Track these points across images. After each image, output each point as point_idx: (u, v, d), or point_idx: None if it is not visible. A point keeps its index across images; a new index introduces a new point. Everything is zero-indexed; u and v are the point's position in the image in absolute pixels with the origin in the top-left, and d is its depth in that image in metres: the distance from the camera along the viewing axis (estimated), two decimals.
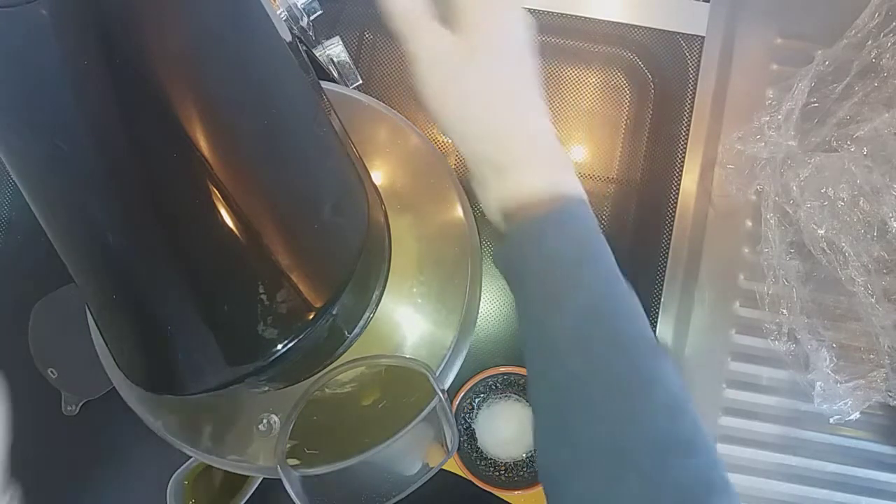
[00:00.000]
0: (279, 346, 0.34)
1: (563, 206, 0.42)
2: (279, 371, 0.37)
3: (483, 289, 0.58)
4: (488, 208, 0.45)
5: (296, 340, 0.35)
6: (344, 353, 0.51)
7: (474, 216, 0.57)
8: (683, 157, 0.74)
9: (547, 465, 0.40)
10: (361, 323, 0.51)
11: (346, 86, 0.62)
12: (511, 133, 0.43)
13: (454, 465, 0.68)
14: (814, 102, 0.71)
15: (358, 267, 0.36)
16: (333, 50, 0.60)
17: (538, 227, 0.42)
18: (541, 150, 0.44)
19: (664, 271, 0.73)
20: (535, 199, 0.42)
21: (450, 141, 0.45)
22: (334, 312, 0.36)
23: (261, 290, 0.34)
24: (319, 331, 0.36)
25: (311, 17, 0.58)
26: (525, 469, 0.70)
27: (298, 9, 0.57)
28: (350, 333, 0.50)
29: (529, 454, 0.71)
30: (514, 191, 0.43)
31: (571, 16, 0.75)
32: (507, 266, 0.44)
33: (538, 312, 0.41)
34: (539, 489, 0.68)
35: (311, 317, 0.35)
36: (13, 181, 0.34)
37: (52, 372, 0.69)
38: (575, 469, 0.38)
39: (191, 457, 0.54)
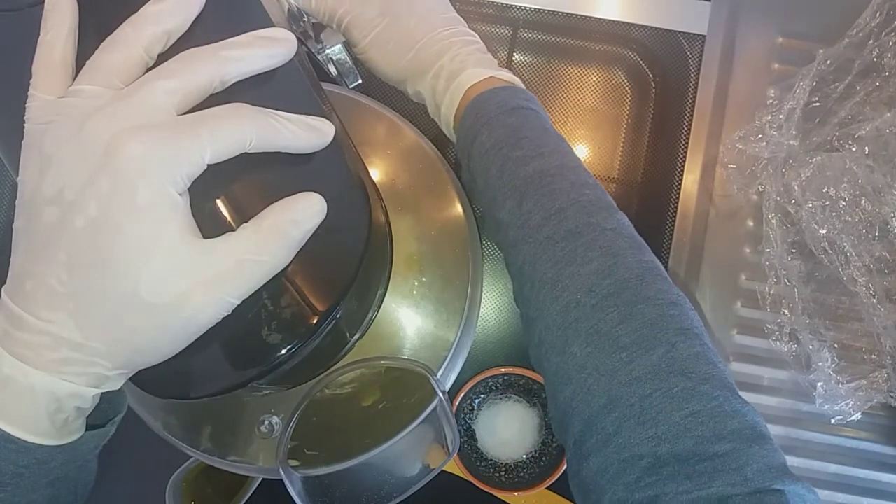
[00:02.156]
0: (283, 351, 0.34)
1: (505, 85, 0.51)
2: (282, 374, 0.36)
3: (484, 289, 0.58)
4: (449, 117, 0.53)
5: (300, 345, 0.34)
6: (346, 354, 0.51)
7: (475, 216, 0.57)
8: (685, 157, 0.74)
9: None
10: (364, 325, 0.50)
11: (346, 85, 0.62)
12: (456, 47, 0.52)
13: (454, 466, 0.68)
14: (815, 102, 0.71)
15: (361, 269, 0.36)
16: (333, 49, 0.60)
17: (490, 95, 0.49)
18: (477, 54, 0.52)
19: (666, 271, 0.72)
20: (483, 83, 0.51)
21: (412, 93, 0.55)
22: (338, 316, 0.36)
23: (265, 296, 0.34)
24: (323, 334, 0.36)
25: (311, 18, 0.58)
26: (525, 470, 0.70)
27: (298, 9, 0.57)
28: (353, 336, 0.50)
29: (530, 455, 0.70)
30: (468, 81, 0.51)
31: (572, 15, 0.75)
32: (469, 126, 0.50)
33: (495, 179, 0.47)
34: (539, 490, 0.67)
35: (314, 321, 0.35)
36: (13, 181, 0.34)
37: None
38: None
39: (190, 457, 0.54)
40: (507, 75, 0.52)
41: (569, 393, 0.40)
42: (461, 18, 0.55)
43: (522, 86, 0.52)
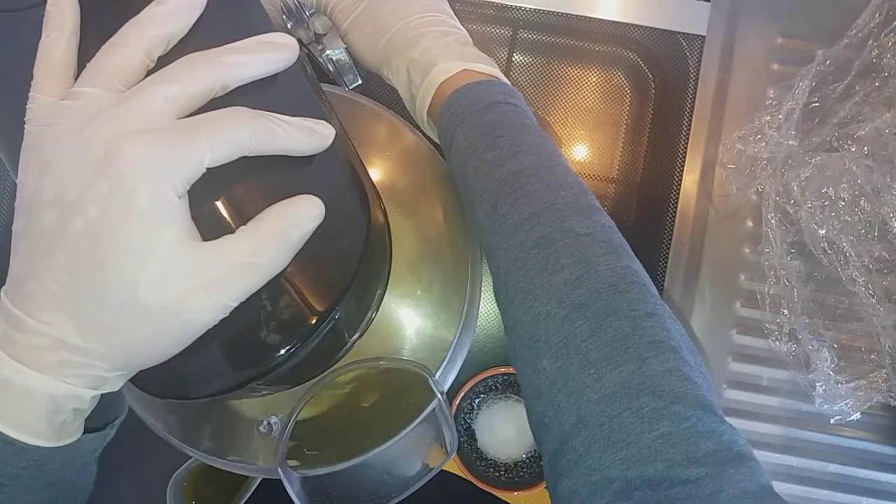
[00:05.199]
0: (282, 352, 0.34)
1: (481, 80, 0.49)
2: (281, 374, 0.36)
3: (483, 289, 0.58)
4: (423, 112, 0.52)
5: (299, 345, 0.35)
6: (345, 355, 0.51)
7: None
8: (684, 157, 0.74)
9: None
10: (363, 325, 0.50)
11: (346, 86, 0.62)
12: (428, 38, 0.51)
13: (454, 466, 0.68)
14: (815, 102, 0.71)
15: (360, 270, 0.36)
16: (334, 51, 0.60)
17: (464, 91, 0.48)
18: (452, 45, 0.51)
19: (665, 271, 0.73)
20: (457, 77, 0.49)
21: (388, 80, 0.54)
22: (337, 316, 0.36)
23: (264, 297, 0.34)
24: (322, 335, 0.36)
25: (311, 18, 0.58)
26: (525, 470, 0.70)
27: (299, 9, 0.57)
28: (352, 336, 0.50)
29: (529, 455, 0.71)
30: (439, 77, 0.49)
31: (572, 15, 0.75)
32: (446, 126, 0.49)
33: (470, 176, 0.46)
34: (538, 490, 0.68)
35: (313, 322, 0.35)
36: (13, 181, 0.34)
37: None
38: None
39: (190, 457, 0.54)
40: (484, 67, 0.50)
41: (541, 409, 0.38)
42: (445, 6, 0.54)
43: (502, 76, 0.51)
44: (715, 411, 0.35)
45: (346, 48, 0.60)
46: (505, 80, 0.51)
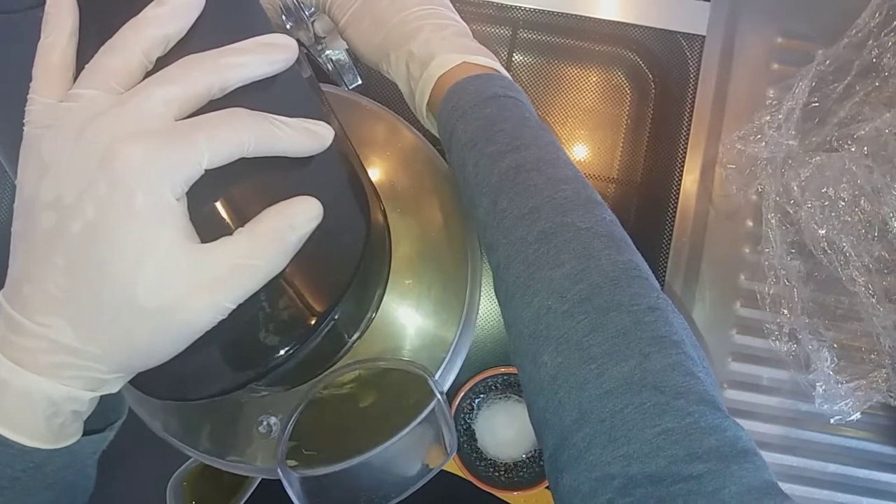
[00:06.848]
0: (281, 353, 0.34)
1: (480, 73, 0.49)
2: (280, 375, 0.36)
3: (483, 289, 0.58)
4: (422, 106, 0.52)
5: (298, 347, 0.34)
6: (345, 355, 0.51)
7: None
8: (684, 157, 0.74)
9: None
10: (362, 326, 0.50)
11: (346, 86, 0.62)
12: (427, 30, 0.51)
13: (454, 466, 0.68)
14: (814, 102, 0.71)
15: (359, 270, 0.36)
16: (333, 51, 0.60)
17: (463, 84, 0.48)
18: (451, 38, 0.51)
19: (665, 271, 0.73)
20: (456, 70, 0.49)
21: (387, 74, 0.54)
22: (336, 317, 0.36)
23: (262, 298, 0.34)
24: (321, 336, 0.36)
25: (312, 19, 0.58)
26: (525, 469, 0.70)
27: (298, 8, 0.57)
28: (351, 336, 0.50)
29: (529, 455, 0.71)
30: (438, 70, 0.49)
31: (572, 15, 0.75)
32: (445, 120, 0.49)
33: (471, 168, 0.46)
34: (538, 490, 0.68)
35: (312, 322, 0.35)
36: (13, 182, 0.34)
37: None
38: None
39: (190, 457, 0.54)
40: (483, 60, 0.50)
41: (542, 404, 0.38)
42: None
43: (502, 69, 0.50)
44: (718, 407, 0.35)
45: (345, 48, 0.59)
46: (505, 73, 0.50)
